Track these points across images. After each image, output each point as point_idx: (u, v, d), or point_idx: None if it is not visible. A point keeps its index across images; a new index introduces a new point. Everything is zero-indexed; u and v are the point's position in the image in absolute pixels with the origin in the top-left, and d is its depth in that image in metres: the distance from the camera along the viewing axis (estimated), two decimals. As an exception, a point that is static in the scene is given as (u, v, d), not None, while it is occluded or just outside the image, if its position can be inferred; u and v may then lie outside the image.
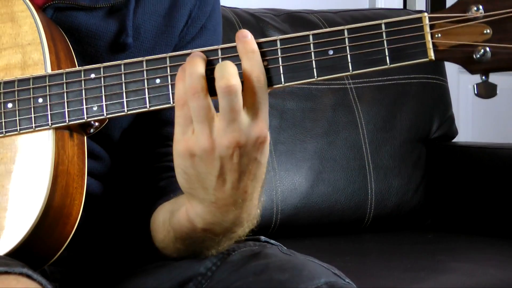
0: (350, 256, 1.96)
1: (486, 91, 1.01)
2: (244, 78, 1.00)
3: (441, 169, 2.38)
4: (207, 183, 1.03)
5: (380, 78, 2.35)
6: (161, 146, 1.29)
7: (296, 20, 2.37)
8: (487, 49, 0.99)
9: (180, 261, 1.18)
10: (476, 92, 1.01)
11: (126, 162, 1.31)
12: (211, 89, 1.00)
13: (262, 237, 1.23)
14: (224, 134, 0.99)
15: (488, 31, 0.99)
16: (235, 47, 1.04)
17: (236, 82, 0.98)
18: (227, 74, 0.98)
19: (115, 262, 1.29)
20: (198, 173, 1.02)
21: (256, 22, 2.30)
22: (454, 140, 2.48)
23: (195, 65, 1.00)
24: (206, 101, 0.99)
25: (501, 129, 3.48)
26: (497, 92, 1.01)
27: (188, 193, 1.06)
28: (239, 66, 1.01)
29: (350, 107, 2.30)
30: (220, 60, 1.04)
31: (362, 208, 2.25)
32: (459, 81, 3.38)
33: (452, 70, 2.79)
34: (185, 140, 1.01)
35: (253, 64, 1.00)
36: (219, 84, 0.98)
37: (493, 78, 1.02)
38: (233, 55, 1.04)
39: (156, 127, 1.29)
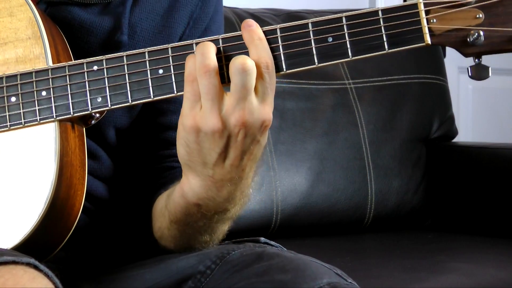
0: (350, 256, 1.96)
1: (479, 73, 1.04)
2: None
3: (441, 169, 2.38)
4: (208, 158, 1.05)
5: (380, 78, 2.35)
6: (163, 149, 1.30)
7: (296, 20, 2.35)
8: (481, 32, 1.03)
9: (179, 258, 1.19)
10: (470, 74, 1.05)
11: (126, 164, 1.32)
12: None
13: (262, 238, 1.24)
14: (233, 111, 1.01)
15: (480, 15, 1.03)
16: (236, 36, 1.06)
17: (252, 63, 1.01)
18: (243, 57, 1.01)
19: (113, 259, 1.30)
20: (200, 148, 1.04)
21: (256, 22, 2.29)
22: (454, 140, 2.48)
23: (208, 46, 1.03)
24: (217, 79, 1.02)
25: (501, 129, 3.48)
26: (490, 74, 1.04)
27: (186, 165, 1.08)
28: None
29: (350, 107, 2.30)
30: (222, 48, 1.06)
31: (362, 208, 2.25)
32: (459, 81, 3.37)
33: (452, 70, 2.79)
34: (193, 115, 1.03)
35: (260, 50, 1.03)
36: (235, 63, 1.01)
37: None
38: (234, 44, 1.06)
39: (158, 132, 1.30)
